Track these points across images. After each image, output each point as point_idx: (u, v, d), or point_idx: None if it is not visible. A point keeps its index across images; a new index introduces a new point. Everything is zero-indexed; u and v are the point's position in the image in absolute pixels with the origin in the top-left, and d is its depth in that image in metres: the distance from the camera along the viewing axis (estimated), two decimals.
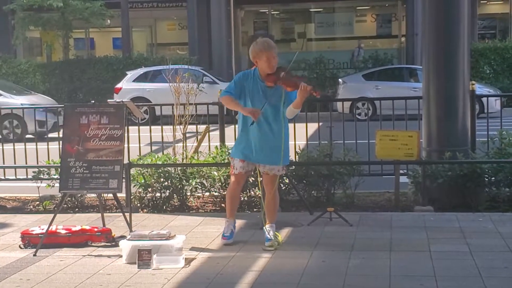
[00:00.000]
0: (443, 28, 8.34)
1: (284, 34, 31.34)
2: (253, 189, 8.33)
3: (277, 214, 6.77)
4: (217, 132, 9.26)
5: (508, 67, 23.24)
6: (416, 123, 9.14)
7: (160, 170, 8.47)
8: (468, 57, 8.48)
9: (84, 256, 6.45)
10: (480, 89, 16.81)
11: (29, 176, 9.36)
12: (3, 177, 9.94)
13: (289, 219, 7.61)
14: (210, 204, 8.69)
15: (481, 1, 29.48)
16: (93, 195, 8.67)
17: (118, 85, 21.43)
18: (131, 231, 6.75)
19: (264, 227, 6.67)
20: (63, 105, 7.52)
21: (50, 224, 6.76)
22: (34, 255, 6.49)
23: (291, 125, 8.98)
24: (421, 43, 8.57)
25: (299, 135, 9.15)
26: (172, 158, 8.84)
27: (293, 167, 8.53)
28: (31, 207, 9.15)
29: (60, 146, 7.62)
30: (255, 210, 8.22)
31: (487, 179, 8.18)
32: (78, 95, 24.46)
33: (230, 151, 7.41)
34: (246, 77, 6.51)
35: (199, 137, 9.46)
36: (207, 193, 8.70)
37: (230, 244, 6.57)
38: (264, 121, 6.42)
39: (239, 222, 7.46)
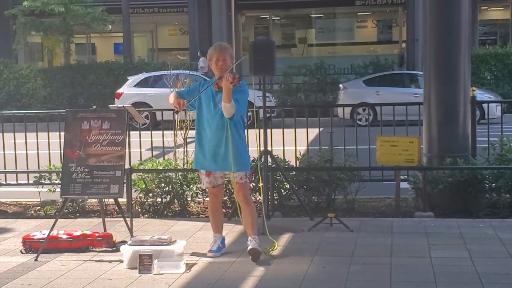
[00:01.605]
0: (444, 34, 8.36)
1: (284, 40, 31.42)
2: (254, 194, 8.34)
3: (256, 226, 6.45)
4: None
5: (508, 73, 23.24)
6: (416, 129, 9.15)
7: (161, 175, 8.49)
8: (468, 63, 8.50)
9: (85, 261, 6.46)
10: (480, 95, 16.82)
11: (30, 181, 9.37)
12: (4, 182, 9.94)
13: (289, 225, 7.62)
14: None
15: (482, 7, 29.53)
16: (94, 200, 8.68)
17: (119, 90, 21.44)
18: (132, 236, 6.76)
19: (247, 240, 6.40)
20: (64, 111, 7.52)
21: (51, 229, 6.77)
22: (35, 260, 6.50)
23: (290, 130, 9.10)
24: (422, 48, 8.58)
25: (300, 141, 9.17)
26: (173, 163, 8.85)
27: (294, 172, 8.55)
28: (32, 212, 9.15)
29: (62, 151, 7.64)
30: None
31: (487, 185, 8.19)
32: (79, 100, 24.47)
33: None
34: (203, 84, 6.49)
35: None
36: (208, 199, 8.69)
37: (218, 256, 6.41)
38: (213, 127, 6.30)
39: (239, 228, 7.47)
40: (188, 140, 9.31)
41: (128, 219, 7.04)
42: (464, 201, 8.02)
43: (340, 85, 21.67)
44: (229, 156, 6.26)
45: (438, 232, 7.19)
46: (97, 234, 6.91)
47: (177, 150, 9.24)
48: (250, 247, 6.28)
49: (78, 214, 8.71)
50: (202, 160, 6.45)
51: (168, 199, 8.54)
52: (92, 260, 6.48)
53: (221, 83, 6.14)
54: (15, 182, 10.03)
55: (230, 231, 7.40)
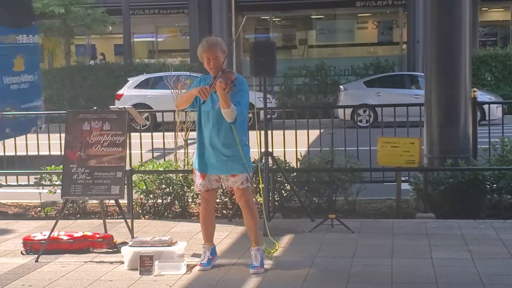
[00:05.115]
0: (445, 35, 8.36)
1: (285, 41, 31.43)
2: (255, 196, 8.32)
3: (259, 233, 6.16)
4: None
5: (509, 74, 23.26)
6: (417, 130, 9.14)
7: (162, 177, 8.48)
8: (469, 64, 8.50)
9: (86, 262, 6.45)
10: (481, 96, 16.80)
11: (31, 182, 9.37)
12: (4, 183, 9.94)
13: (290, 226, 7.62)
14: None
15: (482, 9, 29.55)
16: (95, 201, 8.68)
17: (120, 92, 21.44)
18: (132, 237, 6.75)
19: (251, 250, 6.14)
20: (65, 112, 7.52)
21: (52, 230, 6.77)
22: (36, 261, 6.49)
23: (291, 132, 9.09)
24: (423, 50, 8.59)
25: (301, 142, 9.16)
26: (174, 164, 8.85)
27: (295, 173, 8.54)
28: (33, 213, 9.16)
29: (62, 152, 7.64)
30: None
31: (488, 186, 8.19)
32: (79, 101, 24.48)
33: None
34: (204, 79, 6.05)
35: None
36: None
37: (208, 269, 6.10)
38: (211, 127, 5.91)
39: (240, 229, 7.47)
40: (189, 141, 9.31)
41: (128, 220, 7.03)
42: (465, 202, 8.02)
43: (341, 87, 21.68)
44: (236, 157, 5.89)
45: (439, 233, 7.18)
46: (97, 235, 6.90)
47: (177, 151, 9.23)
48: (252, 270, 5.98)
49: (78, 215, 8.71)
50: (200, 161, 6.05)
51: (168, 200, 8.53)
52: (92, 261, 6.47)
53: (216, 86, 5.70)
54: (15, 183, 10.03)
55: (231, 232, 7.41)
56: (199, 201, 8.70)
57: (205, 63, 5.92)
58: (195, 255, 6.53)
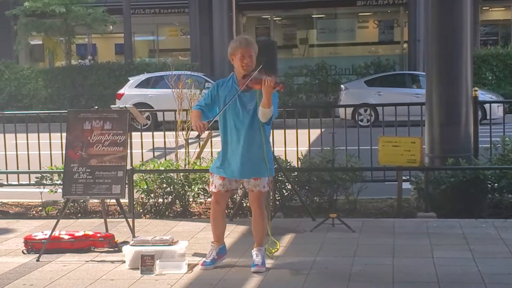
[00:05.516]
0: (446, 35, 8.36)
1: (286, 40, 31.42)
2: None
3: (265, 235, 6.11)
4: (219, 138, 9.24)
5: (510, 74, 23.27)
6: (418, 129, 9.14)
7: (163, 176, 8.48)
8: (470, 63, 8.49)
9: (87, 261, 6.45)
10: (482, 95, 16.82)
11: (32, 182, 9.37)
12: (5, 183, 9.94)
13: (291, 225, 7.61)
14: None
15: (483, 8, 29.55)
16: (96, 200, 8.68)
17: (121, 91, 21.45)
18: (134, 236, 6.75)
19: (252, 251, 6.11)
20: (66, 111, 7.52)
21: (53, 230, 6.77)
22: (37, 260, 6.49)
23: (292, 131, 9.09)
24: (424, 49, 8.59)
25: (302, 141, 9.16)
26: (175, 164, 8.85)
27: (296, 173, 8.54)
28: (34, 212, 9.16)
29: (63, 152, 7.64)
30: None
31: (490, 185, 8.18)
32: (80, 101, 24.50)
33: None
34: (222, 84, 5.98)
35: (201, 143, 9.47)
36: (210, 199, 8.68)
37: (210, 268, 6.05)
38: (242, 130, 5.83)
39: (241, 228, 7.47)
40: (190, 141, 9.31)
41: (130, 220, 7.02)
42: (467, 201, 8.01)
43: (342, 86, 21.68)
44: (262, 160, 5.84)
45: (441, 233, 7.17)
46: (99, 235, 6.90)
47: (178, 150, 9.23)
48: (254, 269, 5.96)
49: (80, 215, 8.71)
50: (227, 165, 5.94)
51: (169, 199, 8.53)
52: (94, 261, 6.47)
53: (253, 84, 5.68)
54: (16, 183, 10.03)
55: (232, 231, 7.40)
56: (200, 200, 8.74)
57: (237, 59, 5.84)
58: (196, 255, 6.53)
